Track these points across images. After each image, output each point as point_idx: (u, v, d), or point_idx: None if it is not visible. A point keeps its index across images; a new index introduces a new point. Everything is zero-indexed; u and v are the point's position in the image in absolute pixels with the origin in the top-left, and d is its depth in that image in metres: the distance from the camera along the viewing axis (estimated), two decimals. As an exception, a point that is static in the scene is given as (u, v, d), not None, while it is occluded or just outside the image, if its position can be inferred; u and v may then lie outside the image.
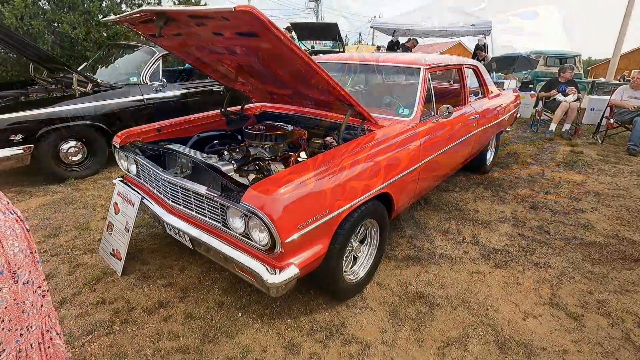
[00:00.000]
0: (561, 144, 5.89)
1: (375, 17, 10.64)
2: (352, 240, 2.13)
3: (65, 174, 3.89)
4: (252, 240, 1.67)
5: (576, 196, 3.79)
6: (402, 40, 10.85)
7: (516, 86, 7.36)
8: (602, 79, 11.07)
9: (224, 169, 1.93)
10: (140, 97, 4.27)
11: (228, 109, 3.00)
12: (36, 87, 4.45)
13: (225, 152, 2.52)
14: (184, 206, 2.01)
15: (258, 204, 1.53)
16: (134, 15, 1.86)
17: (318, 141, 2.33)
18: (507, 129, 4.59)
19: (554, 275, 2.48)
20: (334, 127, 2.64)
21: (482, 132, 3.59)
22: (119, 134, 2.52)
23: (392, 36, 11.30)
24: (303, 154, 2.41)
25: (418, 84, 2.71)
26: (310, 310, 2.11)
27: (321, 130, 2.71)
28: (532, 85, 7.83)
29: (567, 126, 6.16)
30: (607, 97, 6.39)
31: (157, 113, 4.36)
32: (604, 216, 3.36)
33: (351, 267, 2.24)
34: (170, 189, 2.04)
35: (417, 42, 9.49)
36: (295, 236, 1.60)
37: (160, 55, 4.47)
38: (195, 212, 1.94)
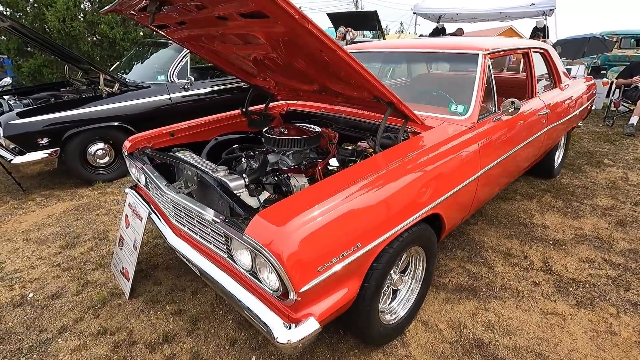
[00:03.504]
0: (645, 140, 4.96)
1: (418, 2, 9.87)
2: (392, 272, 1.70)
3: (93, 176, 3.80)
4: (260, 281, 1.31)
5: (676, 208, 3.05)
6: (449, 27, 9.99)
7: (585, 73, 6.38)
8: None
9: (232, 184, 1.58)
10: (167, 96, 4.08)
11: (250, 108, 2.66)
12: (69, 88, 4.42)
13: (243, 160, 2.19)
14: (188, 228, 1.69)
15: (264, 239, 1.16)
16: (128, 3, 1.56)
17: (349, 147, 1.91)
18: (579, 124, 3.86)
19: (662, 321, 1.88)
20: (371, 128, 2.20)
21: (552, 130, 2.97)
22: (129, 138, 2.28)
23: (437, 22, 10.46)
24: (333, 161, 2.01)
25: (476, 74, 2.18)
26: (338, 356, 1.72)
27: (356, 132, 2.29)
28: (603, 72, 6.77)
29: (652, 119, 5.19)
30: None
31: (185, 112, 4.15)
32: None
33: (389, 303, 1.81)
34: (173, 206, 1.73)
35: (463, 32, 8.64)
36: (314, 282, 1.21)
37: (188, 51, 4.25)
38: (200, 236, 1.61)
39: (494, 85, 2.28)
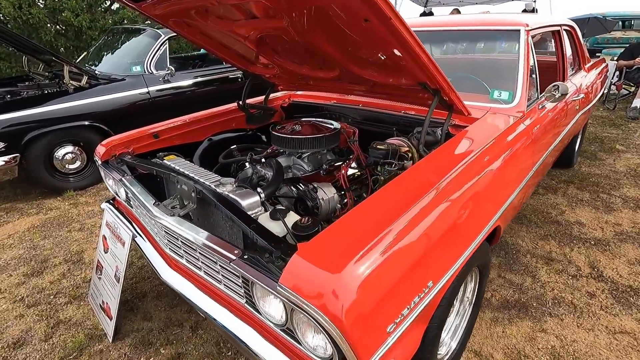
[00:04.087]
0: (651, 123, 4.81)
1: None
2: (455, 302, 1.37)
3: (62, 185, 3.30)
4: (300, 343, 0.95)
5: None
6: (437, 10, 9.67)
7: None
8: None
9: (245, 203, 1.20)
10: (144, 90, 3.60)
11: (248, 101, 2.26)
12: (28, 83, 3.85)
13: (247, 165, 1.80)
14: (187, 261, 1.31)
15: (311, 291, 0.79)
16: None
17: (382, 147, 1.55)
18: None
19: None
20: (397, 122, 1.86)
21: (582, 116, 2.70)
22: (103, 143, 1.85)
23: (425, 7, 10.14)
24: (353, 165, 1.66)
25: (519, 54, 1.86)
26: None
27: (379, 126, 1.94)
28: (599, 54, 6.63)
29: (656, 102, 5.04)
30: None
31: (166, 108, 3.69)
32: None
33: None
34: (166, 231, 1.34)
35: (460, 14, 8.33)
36: (384, 348, 0.86)
37: (167, 38, 3.76)
38: (204, 273, 1.23)
39: (536, 67, 1.96)
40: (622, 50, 5.54)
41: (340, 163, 1.70)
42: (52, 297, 2.02)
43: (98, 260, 1.91)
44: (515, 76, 1.81)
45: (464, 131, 1.54)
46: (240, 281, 1.05)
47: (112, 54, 4.13)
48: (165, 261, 1.47)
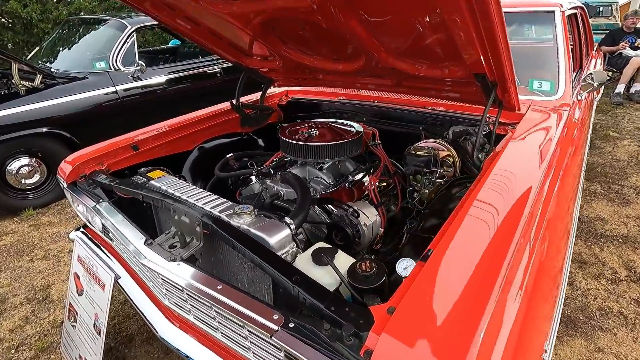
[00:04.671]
0: (637, 109, 4.85)
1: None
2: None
3: (18, 203, 2.83)
4: None
5: None
6: None
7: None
8: None
9: (274, 241, 0.89)
10: (111, 89, 3.15)
11: (242, 99, 1.93)
12: (-31, 85, 3.30)
13: (253, 179, 1.49)
14: (196, 317, 0.99)
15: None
16: None
17: (423, 152, 1.28)
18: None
19: None
20: (422, 120, 1.60)
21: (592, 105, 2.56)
22: (68, 159, 1.48)
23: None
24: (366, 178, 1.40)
25: (557, 38, 1.64)
26: None
27: (401, 126, 1.68)
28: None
29: (638, 86, 5.10)
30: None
31: (138, 109, 3.28)
32: None
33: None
34: (162, 280, 1.01)
35: None
36: None
37: (134, 29, 3.31)
38: (223, 335, 0.93)
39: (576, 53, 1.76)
40: (603, 36, 5.57)
41: (364, 173, 1.43)
42: (13, 351, 1.64)
43: (70, 303, 1.55)
44: (556, 63, 1.59)
45: (515, 133, 1.30)
46: (282, 355, 0.76)
47: (70, 49, 3.62)
48: (162, 313, 1.15)
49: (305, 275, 0.78)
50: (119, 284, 1.30)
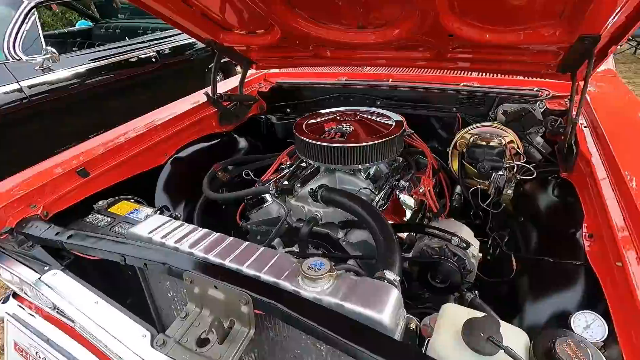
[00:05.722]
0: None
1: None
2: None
3: None
4: None
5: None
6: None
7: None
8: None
9: (386, 319, 0.56)
10: (13, 86, 2.39)
11: (208, 89, 1.47)
12: None
13: (269, 199, 1.11)
14: None
15: None
16: None
17: (495, 143, 1.01)
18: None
19: None
20: (458, 98, 1.34)
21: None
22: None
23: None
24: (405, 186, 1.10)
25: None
26: None
27: (430, 108, 1.40)
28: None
29: None
30: None
31: (56, 111, 2.57)
32: None
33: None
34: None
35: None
36: None
37: (33, 4, 2.53)
38: None
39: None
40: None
41: (410, 175, 1.12)
42: None
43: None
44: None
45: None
46: None
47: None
48: None
49: None
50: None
